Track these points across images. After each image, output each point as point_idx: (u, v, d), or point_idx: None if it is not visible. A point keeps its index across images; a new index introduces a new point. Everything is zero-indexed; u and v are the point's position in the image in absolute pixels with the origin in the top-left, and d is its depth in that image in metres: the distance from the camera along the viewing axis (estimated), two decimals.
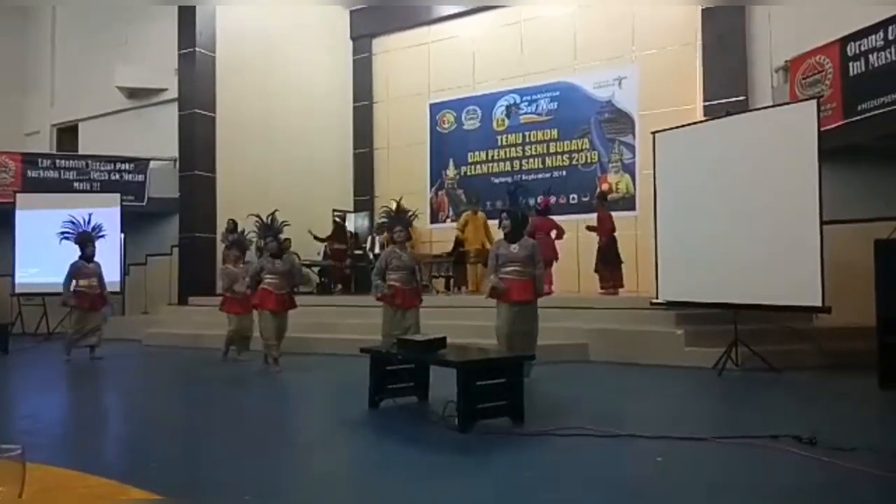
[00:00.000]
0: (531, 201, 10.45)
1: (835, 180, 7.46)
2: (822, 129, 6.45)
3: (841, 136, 7.37)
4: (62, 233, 9.15)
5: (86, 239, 8.95)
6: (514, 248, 6.08)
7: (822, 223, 6.22)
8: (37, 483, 0.98)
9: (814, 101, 6.42)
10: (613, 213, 10.08)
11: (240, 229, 10.04)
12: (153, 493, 1.21)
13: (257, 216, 8.19)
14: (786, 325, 7.21)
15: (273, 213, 8.18)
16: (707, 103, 10.27)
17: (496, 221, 11.24)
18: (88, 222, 9.23)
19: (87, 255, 8.88)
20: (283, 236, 8.55)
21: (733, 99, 9.69)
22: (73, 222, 9.23)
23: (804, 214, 6.28)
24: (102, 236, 9.38)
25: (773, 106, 7.58)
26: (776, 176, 6.54)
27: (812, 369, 6.69)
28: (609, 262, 9.80)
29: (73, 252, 9.03)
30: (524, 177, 13.17)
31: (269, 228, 8.05)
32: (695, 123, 8.10)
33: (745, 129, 6.94)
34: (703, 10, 10.60)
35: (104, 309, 9.23)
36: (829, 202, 6.50)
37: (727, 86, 10.03)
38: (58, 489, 1.19)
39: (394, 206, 7.43)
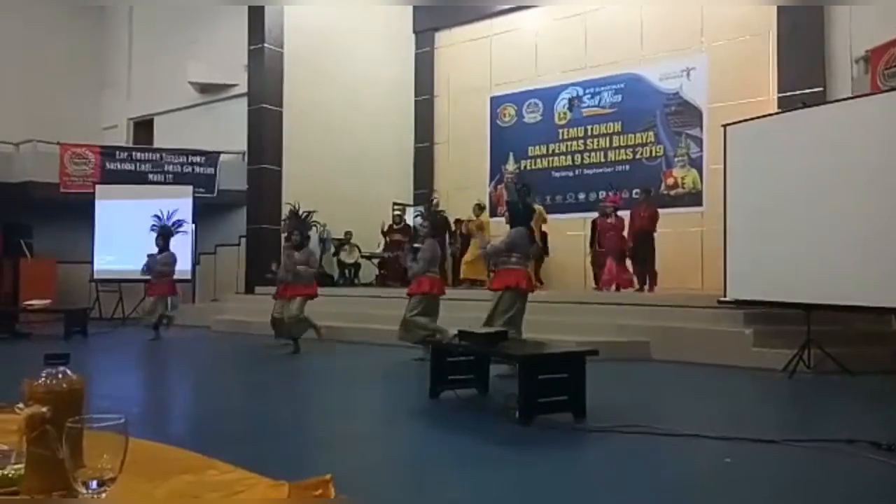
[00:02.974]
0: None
1: None
2: None
3: None
4: (151, 226, 9.94)
5: (161, 232, 9.61)
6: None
7: None
8: (127, 454, 1.03)
9: None
10: (680, 209, 9.85)
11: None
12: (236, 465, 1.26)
13: (291, 205, 8.65)
14: (862, 327, 6.89)
15: (310, 212, 8.63)
16: (782, 95, 9.89)
17: (557, 216, 11.31)
18: (171, 216, 9.92)
19: (160, 247, 9.52)
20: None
21: (810, 90, 9.29)
22: (158, 216, 10.06)
23: (886, 211, 5.97)
24: (181, 231, 10.01)
25: (854, 97, 7.24)
26: (856, 170, 6.24)
27: (889, 373, 6.37)
28: (641, 260, 9.54)
29: (147, 241, 9.66)
30: (585, 171, 13.00)
31: (301, 221, 8.49)
32: (768, 116, 7.79)
33: (824, 122, 6.64)
34: None
35: (172, 297, 9.81)
36: None
37: (803, 77, 9.64)
38: (145, 462, 1.24)
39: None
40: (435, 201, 11.88)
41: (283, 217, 11.35)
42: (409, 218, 14.07)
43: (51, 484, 1.01)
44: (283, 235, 10.48)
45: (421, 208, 13.14)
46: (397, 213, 13.14)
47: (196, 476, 1.20)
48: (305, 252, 8.40)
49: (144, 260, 9.57)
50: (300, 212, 8.54)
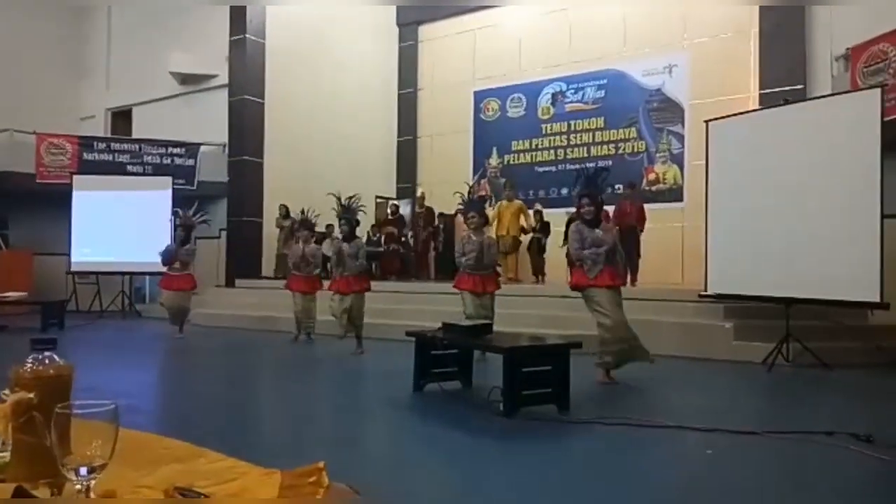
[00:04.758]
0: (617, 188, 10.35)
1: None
2: (885, 118, 6.21)
3: None
4: (177, 223, 9.74)
5: (184, 224, 9.36)
6: (599, 232, 5.70)
7: (884, 216, 6.00)
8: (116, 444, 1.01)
9: (878, 91, 6.19)
10: (661, 205, 9.91)
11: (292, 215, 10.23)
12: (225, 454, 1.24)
13: (337, 197, 7.77)
14: (839, 321, 7.00)
15: (352, 197, 7.80)
16: (763, 92, 9.99)
17: (534, 211, 11.29)
18: (195, 212, 9.55)
19: (181, 240, 9.25)
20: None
21: (791, 88, 9.40)
22: (175, 212, 9.97)
23: (864, 207, 6.07)
24: (203, 223, 9.73)
25: (835, 94, 7.33)
26: (835, 166, 6.33)
27: (866, 367, 6.49)
28: (626, 255, 9.57)
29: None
30: (568, 166, 13.04)
31: (347, 210, 7.67)
32: (750, 112, 7.87)
33: (805, 118, 6.72)
34: None
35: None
36: (889, 195, 6.25)
37: (785, 74, 9.75)
38: (137, 450, 1.22)
39: (465, 191, 7.25)
40: (420, 194, 11.82)
41: (281, 213, 11.32)
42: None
43: (38, 472, 0.98)
44: (287, 226, 10.33)
45: (397, 203, 13.13)
46: (393, 204, 13.03)
47: (186, 465, 1.19)
48: (356, 244, 7.59)
49: (163, 248, 9.21)
50: (343, 199, 7.64)
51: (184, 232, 9.23)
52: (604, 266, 5.59)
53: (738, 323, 7.31)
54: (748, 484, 3.14)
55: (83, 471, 0.89)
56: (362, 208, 7.87)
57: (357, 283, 7.47)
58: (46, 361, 1.03)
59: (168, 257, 9.08)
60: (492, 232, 11.13)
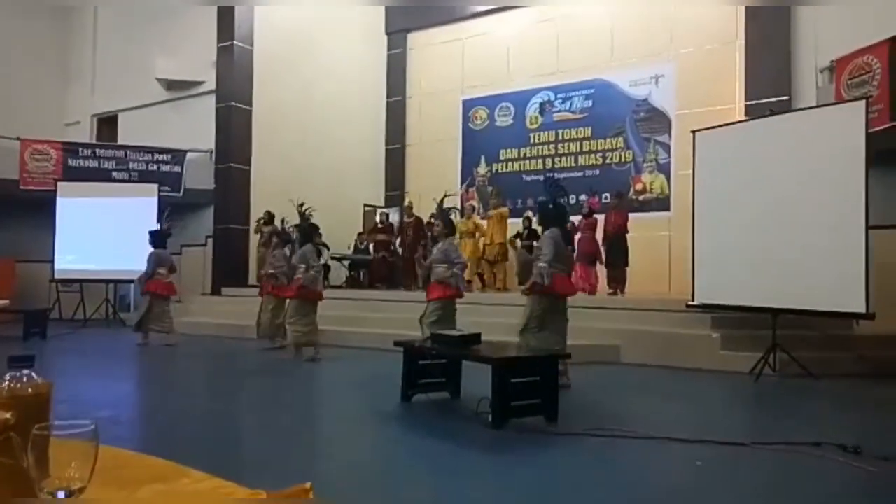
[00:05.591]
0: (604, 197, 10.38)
1: (880, 184, 7.26)
2: (870, 130, 6.28)
3: (889, 139, 7.17)
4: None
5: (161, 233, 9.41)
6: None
7: (868, 227, 6.06)
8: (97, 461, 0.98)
9: (862, 102, 6.25)
10: (648, 214, 9.95)
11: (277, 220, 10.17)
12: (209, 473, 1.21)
13: (298, 206, 8.21)
14: (825, 331, 7.05)
15: (302, 204, 8.22)
16: (749, 103, 10.08)
17: (523, 218, 11.30)
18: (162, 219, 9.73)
19: (158, 247, 9.25)
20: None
21: (776, 99, 9.49)
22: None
23: (849, 218, 6.12)
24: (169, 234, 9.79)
25: (820, 106, 7.40)
26: (821, 178, 6.39)
27: (852, 377, 6.53)
28: (615, 263, 9.65)
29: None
30: (556, 175, 13.05)
31: (302, 218, 8.12)
32: (737, 123, 7.93)
33: (790, 129, 6.78)
34: (746, 8, 10.41)
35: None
36: (874, 206, 6.32)
37: (770, 85, 9.84)
38: (116, 468, 1.19)
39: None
40: (407, 203, 11.81)
41: (263, 220, 11.24)
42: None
43: (14, 495, 0.95)
44: (267, 234, 10.31)
45: (387, 211, 13.10)
46: (384, 213, 12.99)
47: (168, 485, 1.15)
48: (304, 252, 7.76)
49: (147, 256, 9.17)
50: (301, 208, 8.14)
51: (161, 240, 9.29)
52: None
53: (724, 333, 7.34)
54: (735, 496, 3.13)
55: (61, 494, 0.85)
56: (311, 213, 8.20)
57: (300, 290, 7.62)
58: (24, 380, 0.99)
59: (153, 264, 9.06)
60: (479, 241, 11.18)
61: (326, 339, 8.63)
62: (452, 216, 7.00)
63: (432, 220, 7.52)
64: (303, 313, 7.60)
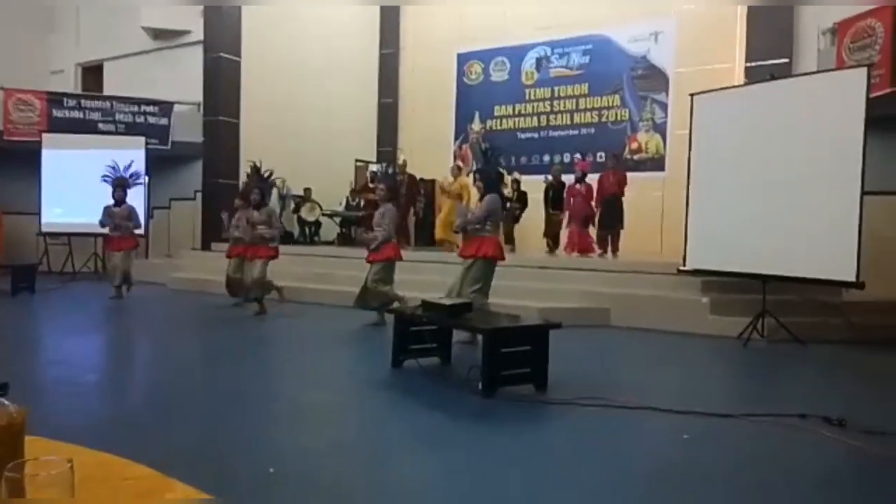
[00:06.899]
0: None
1: (878, 150, 7.19)
2: (871, 95, 6.18)
3: (889, 104, 7.07)
4: (104, 176, 9.51)
5: (117, 184, 9.20)
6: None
7: (863, 194, 6.02)
8: (78, 471, 0.95)
9: (864, 70, 6.14)
10: (642, 174, 9.89)
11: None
12: (194, 487, 1.18)
13: (253, 162, 8.38)
14: (814, 297, 7.09)
15: (271, 172, 8.46)
16: (749, 65, 9.89)
17: (522, 178, 11.20)
18: (128, 168, 9.56)
19: (116, 199, 9.11)
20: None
21: (776, 61, 9.31)
22: (113, 167, 9.67)
23: (845, 185, 6.07)
24: (139, 184, 9.81)
25: (821, 71, 7.27)
26: (818, 144, 6.32)
27: (839, 343, 6.60)
28: (608, 224, 9.64)
29: (97, 193, 9.25)
30: (551, 133, 12.92)
31: (262, 180, 8.23)
32: (736, 87, 7.80)
33: (790, 95, 6.67)
34: None
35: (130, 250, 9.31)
36: (870, 172, 6.26)
37: (771, 47, 9.64)
38: (98, 480, 1.16)
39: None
40: (402, 161, 11.64)
41: (247, 174, 11.05)
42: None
43: None
44: (240, 192, 10.17)
45: (377, 167, 12.91)
46: (373, 170, 12.79)
47: (150, 502, 1.12)
48: (265, 211, 8.09)
49: (101, 212, 9.08)
50: (262, 170, 8.26)
51: (120, 192, 9.12)
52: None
53: (714, 297, 7.38)
54: (721, 468, 3.17)
55: None
56: (276, 182, 8.67)
57: (266, 251, 7.98)
58: None
59: (105, 222, 9.06)
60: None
61: (313, 296, 8.72)
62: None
63: (377, 182, 7.94)
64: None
